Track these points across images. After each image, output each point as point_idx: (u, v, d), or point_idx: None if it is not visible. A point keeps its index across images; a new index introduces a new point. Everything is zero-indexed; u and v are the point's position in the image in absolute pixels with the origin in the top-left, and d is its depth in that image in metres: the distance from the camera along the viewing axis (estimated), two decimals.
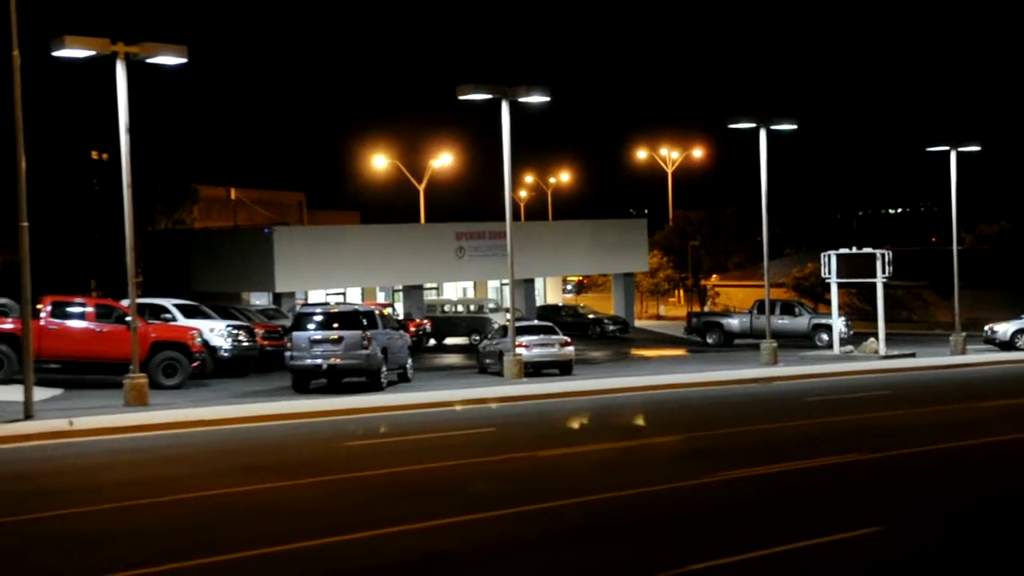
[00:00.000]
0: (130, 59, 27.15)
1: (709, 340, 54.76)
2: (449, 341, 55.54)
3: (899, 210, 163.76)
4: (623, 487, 16.04)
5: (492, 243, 56.54)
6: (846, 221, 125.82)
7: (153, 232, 55.58)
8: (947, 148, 46.56)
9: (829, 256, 45.33)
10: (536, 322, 43.29)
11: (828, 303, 51.61)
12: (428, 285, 59.72)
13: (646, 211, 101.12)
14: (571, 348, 37.77)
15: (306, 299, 51.80)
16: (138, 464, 19.28)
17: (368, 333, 31.45)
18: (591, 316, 61.26)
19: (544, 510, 14.64)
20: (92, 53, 26.77)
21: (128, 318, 29.29)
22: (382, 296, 58.49)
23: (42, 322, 31.26)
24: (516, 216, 68.83)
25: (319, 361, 31.20)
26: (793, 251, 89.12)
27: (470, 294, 63.48)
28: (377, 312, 33.79)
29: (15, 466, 19.19)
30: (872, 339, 45.04)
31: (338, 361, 31.18)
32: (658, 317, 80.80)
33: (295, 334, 31.68)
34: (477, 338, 50.99)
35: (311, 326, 31.69)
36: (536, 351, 36.63)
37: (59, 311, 32.17)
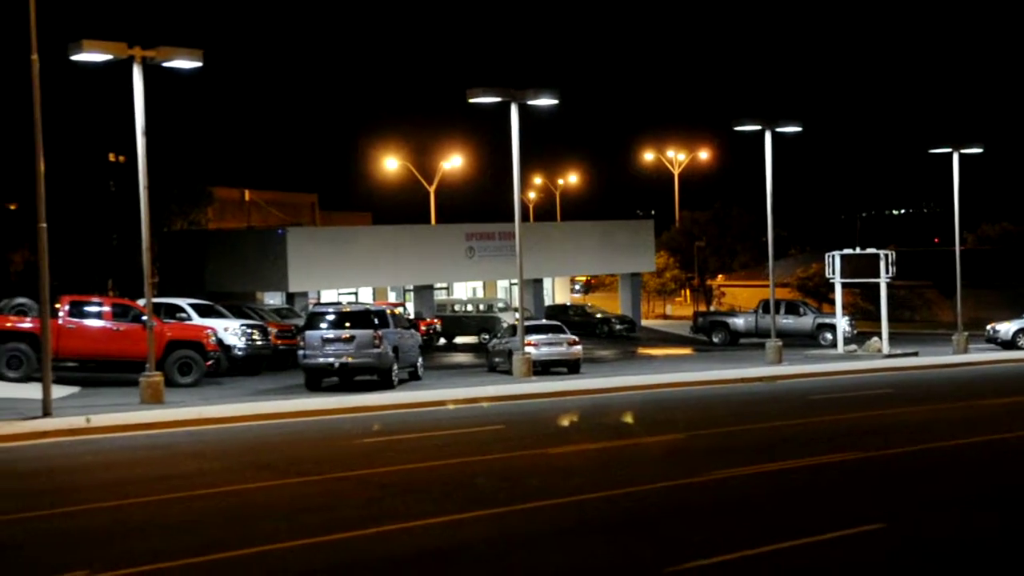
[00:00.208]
0: (146, 63, 27.20)
1: (715, 339, 54.71)
2: (459, 340, 55.54)
3: (902, 211, 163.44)
4: (629, 484, 16.04)
5: (501, 244, 56.54)
6: (850, 222, 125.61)
7: (169, 233, 55.65)
8: (950, 150, 46.48)
9: (833, 256, 45.26)
10: (545, 321, 43.26)
11: (832, 303, 51.52)
12: (438, 285, 59.71)
13: (653, 212, 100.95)
14: (579, 347, 37.75)
15: (319, 299, 51.84)
16: (154, 461, 19.32)
17: (379, 332, 31.47)
18: (599, 316, 61.22)
19: (553, 506, 14.64)
20: (109, 57, 26.83)
21: (144, 317, 29.35)
22: (393, 296, 58.49)
23: (60, 321, 31.34)
24: (525, 217, 68.88)
25: (331, 360, 31.22)
26: (798, 252, 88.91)
27: (480, 294, 63.46)
28: (388, 311, 33.82)
29: (33, 463, 19.24)
30: (875, 338, 44.97)
31: (350, 360, 31.20)
32: (664, 317, 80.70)
33: (308, 333, 31.71)
34: (487, 337, 50.97)
35: (323, 325, 31.71)
36: (545, 350, 36.62)
37: (77, 310, 32.25)
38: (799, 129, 42.57)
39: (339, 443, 21.50)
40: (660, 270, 76.12)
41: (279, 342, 38.22)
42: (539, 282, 60.97)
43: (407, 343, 33.95)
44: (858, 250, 46.17)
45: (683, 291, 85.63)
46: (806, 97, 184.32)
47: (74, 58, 26.72)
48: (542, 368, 36.31)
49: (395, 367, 32.16)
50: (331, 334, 31.37)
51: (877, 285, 45.07)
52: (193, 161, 55.90)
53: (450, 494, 15.70)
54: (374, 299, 55.77)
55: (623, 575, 11.60)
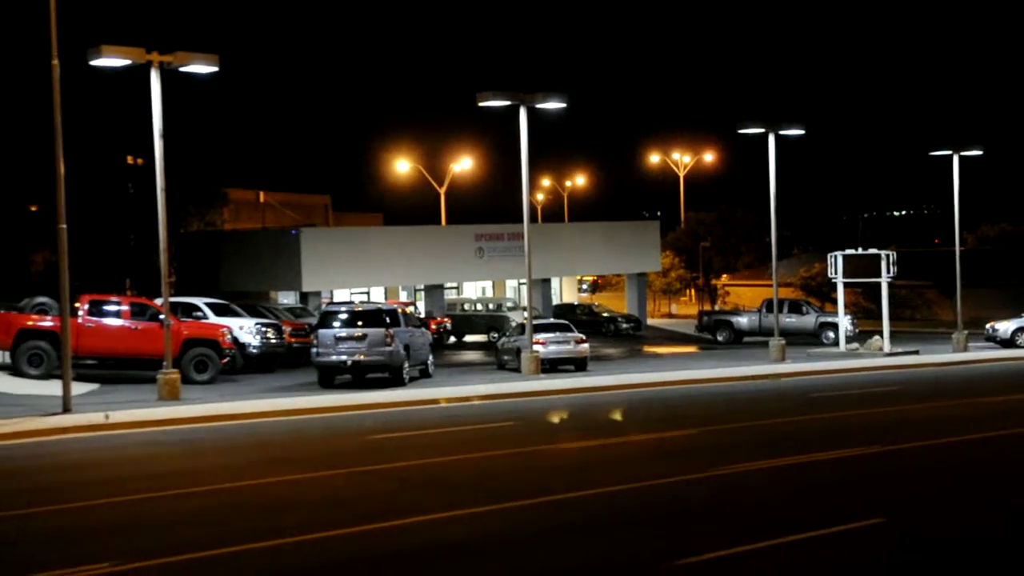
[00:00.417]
0: (164, 68, 27.27)
1: (719, 338, 54.66)
2: (469, 338, 55.56)
3: (903, 212, 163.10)
4: (636, 479, 16.05)
5: (510, 244, 56.56)
6: (852, 223, 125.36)
7: (185, 233, 55.80)
8: (950, 152, 46.40)
9: (836, 257, 45.22)
10: (552, 320, 43.29)
11: (834, 302, 51.49)
12: (449, 284, 59.76)
13: (659, 213, 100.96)
14: (586, 345, 37.76)
15: (331, 298, 51.91)
16: (171, 456, 19.37)
17: (391, 331, 31.51)
18: (605, 314, 61.21)
19: (562, 501, 14.66)
20: (128, 62, 26.90)
21: (161, 316, 29.42)
22: (404, 295, 58.55)
23: (80, 320, 31.43)
24: (533, 218, 68.84)
25: (344, 357, 31.27)
26: (801, 252, 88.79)
27: (489, 293, 63.49)
28: (399, 310, 33.84)
29: (54, 458, 19.32)
30: (877, 337, 44.91)
31: (362, 358, 31.25)
32: (670, 315, 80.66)
33: (321, 331, 31.76)
34: (496, 335, 50.99)
35: (336, 324, 31.75)
36: (552, 348, 36.63)
37: (96, 309, 32.33)
38: (802, 132, 42.50)
39: (352, 439, 21.54)
40: (666, 270, 76.09)
41: (293, 340, 38.29)
42: (547, 282, 60.99)
43: (418, 341, 33.98)
44: (860, 250, 46.11)
45: (688, 290, 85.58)
46: (809, 100, 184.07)
47: (93, 63, 26.80)
48: (550, 366, 36.33)
49: (406, 365, 32.19)
50: (344, 333, 31.42)
51: (878, 285, 45.00)
52: (209, 163, 56.06)
53: (465, 488, 15.73)
54: (386, 298, 55.84)
55: (629, 569, 11.61)
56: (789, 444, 19.54)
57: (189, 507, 14.73)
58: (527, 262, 36.31)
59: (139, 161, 52.66)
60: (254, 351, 35.99)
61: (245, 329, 35.97)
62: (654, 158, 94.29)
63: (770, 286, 45.66)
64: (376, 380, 32.28)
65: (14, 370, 31.51)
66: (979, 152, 46.91)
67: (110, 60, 26.65)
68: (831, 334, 50.22)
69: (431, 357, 35.64)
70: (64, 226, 25.11)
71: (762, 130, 41.39)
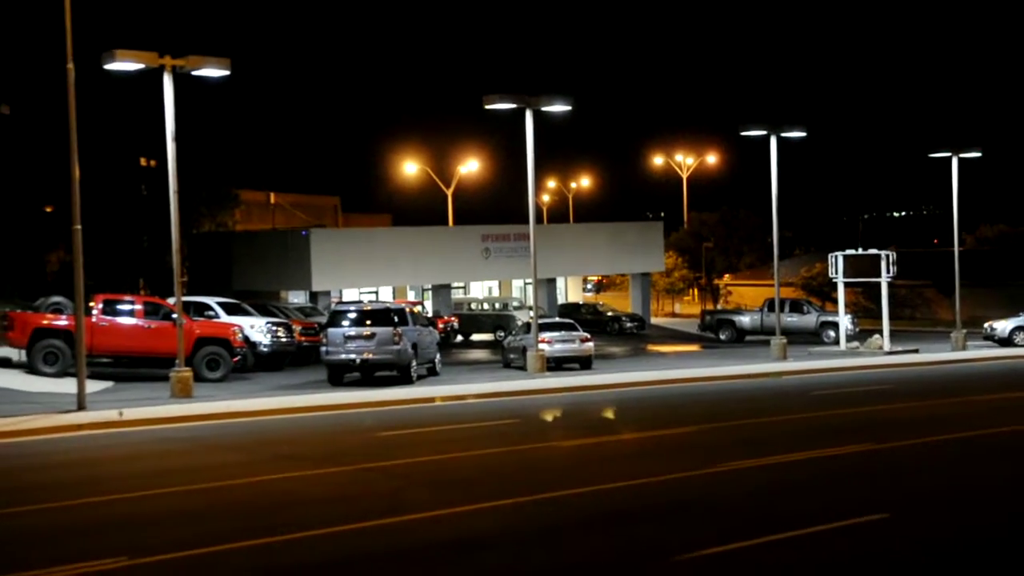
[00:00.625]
0: (176, 72, 27.29)
1: (722, 336, 54.61)
2: (475, 337, 55.57)
3: (903, 213, 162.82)
4: (639, 475, 16.05)
5: (516, 244, 56.55)
6: (852, 223, 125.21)
7: (198, 234, 55.88)
8: (949, 154, 46.33)
9: (836, 257, 45.16)
10: (558, 319, 43.25)
11: (835, 301, 51.40)
12: (456, 284, 59.77)
13: (662, 214, 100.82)
14: (591, 344, 37.74)
15: (340, 297, 51.94)
16: (183, 453, 19.39)
17: (399, 330, 31.51)
18: (610, 314, 61.18)
19: (566, 497, 14.67)
20: (141, 66, 26.92)
21: (174, 315, 29.44)
22: (412, 294, 58.59)
23: (94, 319, 31.46)
24: (539, 219, 68.81)
25: (353, 356, 31.28)
26: (802, 252, 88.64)
27: (495, 293, 63.49)
28: (407, 310, 33.83)
29: (69, 454, 19.35)
30: (877, 336, 44.84)
31: (371, 356, 31.26)
32: (673, 315, 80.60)
33: (330, 330, 31.78)
34: (502, 334, 51.02)
35: (345, 323, 31.77)
36: (558, 347, 36.62)
37: (110, 308, 32.36)
38: (803, 134, 42.46)
39: (360, 436, 21.55)
40: (669, 270, 76.01)
41: (303, 339, 38.30)
42: (552, 281, 60.96)
43: (425, 340, 33.98)
44: (860, 251, 46.08)
45: (691, 290, 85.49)
46: (810, 103, 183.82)
47: (107, 67, 26.82)
48: (555, 364, 36.31)
49: (414, 363, 32.19)
50: (353, 331, 31.43)
51: (878, 284, 44.93)
52: (221, 165, 56.18)
53: (468, 485, 15.74)
54: (394, 298, 55.87)
55: (628, 565, 11.60)
56: (790, 441, 19.52)
57: (197, 503, 14.74)
58: (533, 262, 36.30)
59: (152, 163, 52.76)
60: (265, 349, 36.01)
61: (256, 328, 35.98)
62: (658, 160, 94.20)
63: (772, 286, 45.62)
64: (384, 378, 32.29)
65: (30, 368, 31.55)
66: (978, 154, 46.84)
67: (124, 64, 26.68)
68: (832, 333, 50.14)
69: (438, 355, 35.64)
70: (79, 227, 25.14)
71: (764, 132, 41.35)
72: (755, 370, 35.74)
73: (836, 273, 45.02)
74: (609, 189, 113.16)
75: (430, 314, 51.81)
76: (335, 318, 32.31)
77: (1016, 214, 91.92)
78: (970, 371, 37.06)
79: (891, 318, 45.56)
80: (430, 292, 58.16)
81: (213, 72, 27.89)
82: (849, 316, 49.13)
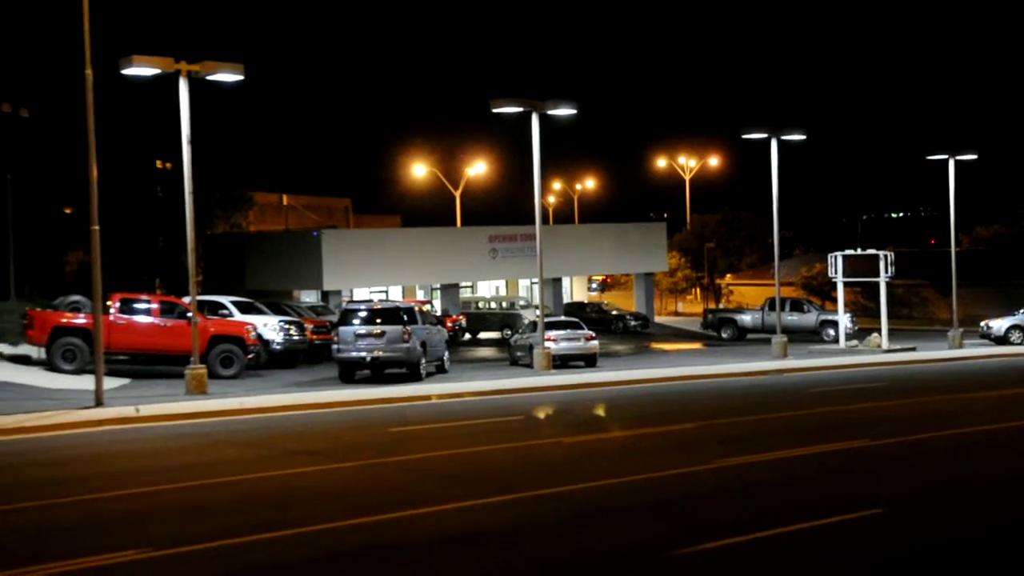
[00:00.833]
0: (191, 76, 27.35)
1: (724, 335, 54.58)
2: (483, 335, 55.59)
3: (901, 214, 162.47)
4: (641, 471, 16.06)
5: (523, 245, 56.56)
6: (851, 224, 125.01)
7: (212, 235, 55.97)
8: (946, 156, 46.25)
9: (836, 257, 45.11)
10: (563, 318, 43.27)
11: (835, 301, 51.35)
12: (463, 283, 59.80)
13: (665, 215, 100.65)
14: (596, 342, 37.73)
15: (351, 296, 51.99)
16: (198, 448, 19.44)
17: (408, 328, 31.54)
18: (614, 312, 61.16)
19: (571, 492, 14.67)
20: (157, 71, 26.99)
21: (189, 314, 29.51)
22: (421, 294, 58.62)
23: (111, 317, 31.54)
24: (545, 220, 68.77)
25: (363, 354, 31.32)
26: (802, 252, 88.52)
27: (502, 292, 63.51)
28: (416, 308, 33.86)
29: (87, 449, 19.40)
30: (876, 334, 44.79)
31: (381, 354, 31.29)
32: (676, 313, 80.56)
33: (341, 329, 31.82)
34: (509, 332, 51.03)
35: (356, 321, 31.80)
36: (563, 345, 36.62)
37: (127, 307, 32.44)
38: (803, 137, 42.41)
39: (370, 431, 21.57)
40: (672, 270, 75.97)
41: (315, 337, 38.35)
42: (558, 281, 60.98)
43: (434, 338, 34.00)
44: (859, 251, 46.04)
45: (694, 289, 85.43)
46: (810, 107, 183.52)
47: (124, 72, 26.89)
48: (561, 362, 36.31)
49: (423, 361, 32.22)
50: (363, 330, 31.47)
51: (877, 284, 44.88)
52: (234, 167, 56.34)
53: (475, 480, 15.76)
54: (403, 297, 55.91)
55: (636, 557, 11.62)
56: (789, 437, 19.50)
57: (216, 497, 14.78)
58: (539, 262, 36.31)
59: (168, 165, 52.88)
60: (278, 347, 36.07)
61: (269, 326, 36.04)
62: (661, 162, 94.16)
63: (773, 285, 45.59)
64: (394, 375, 32.32)
65: (49, 365, 31.65)
66: (974, 156, 46.74)
67: (140, 69, 26.74)
68: (831, 331, 50.09)
69: (447, 353, 35.66)
70: (97, 228, 25.20)
71: (765, 135, 41.31)
72: (756, 368, 35.71)
73: (835, 273, 44.98)
74: (613, 191, 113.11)
75: (439, 313, 51.84)
76: (346, 317, 32.35)
77: (1011, 215, 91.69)
78: (966, 369, 37.00)
79: (889, 317, 45.50)
80: (439, 291, 58.20)
81: (227, 77, 27.94)
82: (848, 315, 49.07)
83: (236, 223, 58.84)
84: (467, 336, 54.24)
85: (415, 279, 56.76)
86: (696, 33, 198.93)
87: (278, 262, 52.96)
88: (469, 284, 61.54)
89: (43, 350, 32.22)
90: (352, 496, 14.66)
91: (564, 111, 35.25)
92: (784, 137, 41.70)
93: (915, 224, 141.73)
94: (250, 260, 53.92)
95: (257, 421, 23.09)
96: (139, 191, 52.12)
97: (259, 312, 37.18)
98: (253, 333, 33.06)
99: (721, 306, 71.95)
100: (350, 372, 31.96)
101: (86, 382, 27.57)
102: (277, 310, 39.41)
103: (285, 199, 74.68)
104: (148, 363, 32.96)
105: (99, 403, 24.41)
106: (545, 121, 35.24)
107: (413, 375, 31.84)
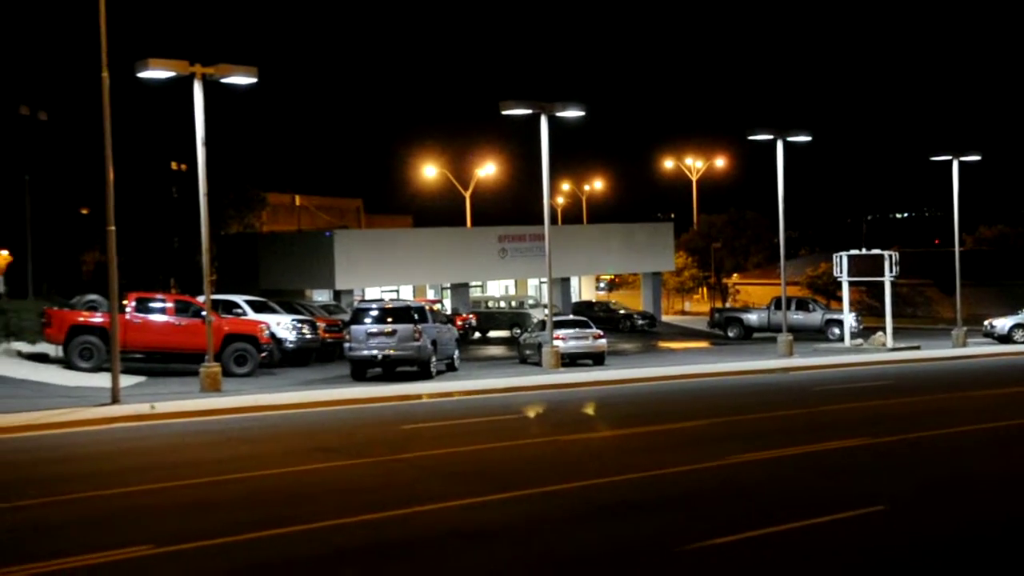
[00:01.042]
0: (206, 79, 27.38)
1: (730, 334, 54.49)
2: (493, 334, 55.58)
3: (905, 214, 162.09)
4: (647, 468, 16.01)
5: (532, 245, 56.54)
6: (856, 224, 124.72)
7: (226, 235, 56.05)
8: (949, 157, 46.13)
9: (841, 257, 45.01)
10: (572, 317, 43.24)
11: (840, 300, 51.25)
12: (474, 283, 59.80)
13: (672, 215, 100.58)
14: (604, 341, 37.70)
15: (363, 296, 52.02)
16: (213, 444, 19.46)
17: (419, 327, 31.54)
18: (622, 311, 61.10)
19: (576, 489, 14.64)
20: (172, 74, 27.03)
21: (203, 313, 29.55)
22: (432, 293, 58.64)
23: (128, 316, 31.59)
24: (554, 220, 68.76)
25: (375, 352, 31.33)
26: (807, 252, 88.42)
27: (512, 291, 63.49)
28: (427, 307, 33.87)
29: (103, 446, 19.43)
30: (880, 333, 44.67)
31: (392, 352, 31.30)
32: (683, 312, 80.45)
33: (353, 327, 31.83)
34: (518, 331, 51.02)
35: (367, 320, 31.82)
36: (572, 343, 36.60)
37: (142, 306, 32.50)
38: (809, 138, 42.33)
39: (381, 428, 21.56)
40: (679, 269, 75.90)
41: (327, 336, 38.37)
42: (567, 280, 60.95)
43: (444, 337, 34.00)
44: (864, 251, 45.89)
45: (700, 289, 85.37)
46: (816, 109, 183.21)
47: (140, 75, 26.94)
48: (569, 360, 36.29)
49: (434, 359, 32.21)
50: (375, 328, 31.48)
51: (882, 283, 44.78)
52: (248, 169, 56.42)
53: (484, 476, 15.73)
54: (414, 296, 55.93)
55: (644, 553, 11.59)
56: (794, 435, 19.45)
57: (229, 493, 14.78)
58: (548, 262, 36.29)
59: (182, 167, 52.97)
60: (290, 346, 36.10)
61: (282, 325, 36.07)
62: (668, 163, 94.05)
63: (778, 284, 45.50)
64: (405, 373, 32.33)
65: (67, 363, 31.73)
66: (977, 157, 46.60)
67: (156, 72, 26.79)
68: (836, 330, 50.00)
69: (457, 352, 35.66)
70: (113, 228, 25.25)
71: (771, 137, 41.23)
72: (762, 366, 35.64)
73: (841, 272, 44.88)
74: (621, 191, 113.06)
75: (449, 312, 51.84)
76: (358, 316, 32.36)
77: (1014, 215, 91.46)
78: (970, 367, 36.87)
79: (894, 316, 45.39)
80: (449, 290, 58.21)
81: (241, 80, 27.98)
82: (853, 314, 48.97)
83: (250, 224, 58.92)
84: (477, 335, 54.24)
85: (426, 278, 56.78)
86: (703, 36, 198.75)
87: (291, 262, 53.01)
88: (479, 283, 61.54)
89: (61, 348, 32.31)
90: (363, 492, 14.63)
91: (572, 113, 35.23)
92: (790, 138, 41.61)
93: (919, 224, 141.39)
94: (263, 260, 53.98)
95: (270, 418, 23.10)
96: (154, 192, 52.21)
97: (272, 311, 37.22)
98: (267, 332, 33.09)
99: (727, 305, 71.83)
100: (362, 370, 31.97)
101: (103, 380, 27.62)
102: (290, 309, 39.45)
103: (298, 200, 74.76)
104: (163, 361, 33.02)
105: (115, 400, 24.47)
106: (554, 123, 35.22)
107: (424, 373, 31.85)
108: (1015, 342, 46.54)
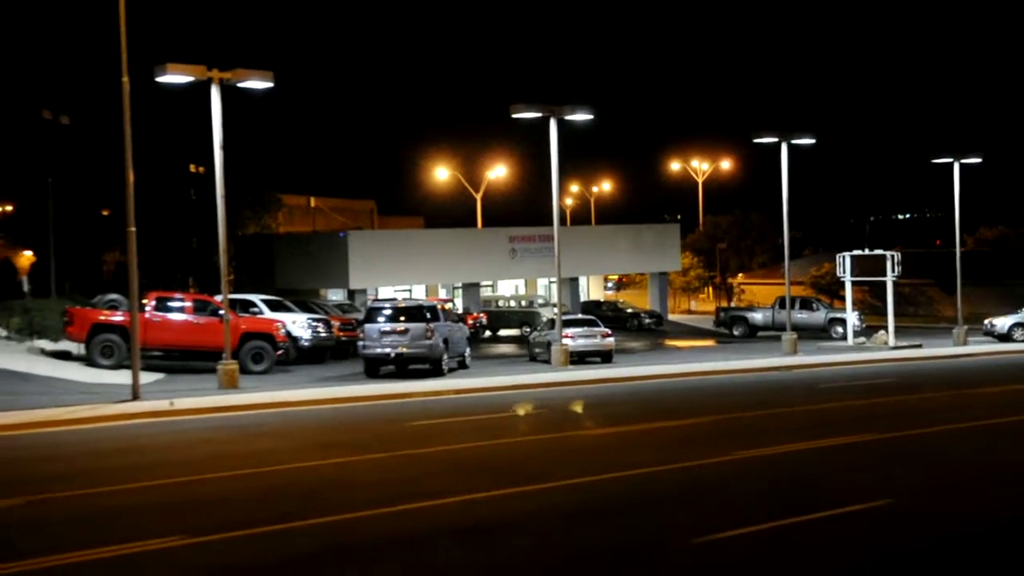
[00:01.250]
0: (223, 84, 27.45)
1: (735, 332, 54.41)
2: (503, 332, 55.60)
3: (907, 215, 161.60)
4: (655, 463, 16.00)
5: (541, 245, 56.54)
6: (859, 225, 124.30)
7: (243, 236, 56.09)
8: (951, 159, 45.99)
9: (844, 257, 44.92)
10: (580, 316, 43.23)
11: (843, 299, 51.09)
12: (484, 282, 59.82)
13: (679, 216, 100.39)
14: (611, 339, 37.70)
15: (376, 295, 52.08)
16: (229, 440, 19.50)
17: (431, 325, 31.57)
18: (629, 310, 61.06)
19: (586, 483, 14.64)
20: (191, 79, 27.10)
21: (221, 312, 29.63)
22: (444, 292, 58.67)
23: (147, 315, 31.69)
24: (563, 221, 68.74)
25: (388, 350, 31.37)
26: (811, 252, 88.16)
27: (522, 290, 63.50)
28: (439, 306, 33.90)
29: (124, 441, 19.49)
30: (883, 331, 44.57)
31: (405, 350, 31.34)
32: (689, 312, 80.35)
33: (367, 326, 31.87)
34: (528, 330, 51.02)
35: (381, 319, 31.86)
36: (580, 342, 36.60)
37: (162, 305, 32.60)
38: (813, 140, 42.23)
39: (394, 425, 21.58)
40: (685, 269, 75.81)
41: (341, 334, 38.43)
42: (575, 280, 60.92)
43: (456, 335, 34.02)
44: (867, 251, 45.83)
45: (706, 288, 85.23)
46: (820, 111, 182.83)
47: (159, 80, 27.02)
48: (578, 358, 36.29)
49: (445, 357, 32.24)
50: (388, 327, 31.52)
51: (884, 283, 44.67)
52: (264, 171, 56.34)
53: (494, 471, 15.74)
54: (426, 295, 55.97)
55: (650, 547, 11.59)
56: (799, 431, 19.43)
57: (246, 487, 14.82)
58: (557, 262, 36.29)
59: (201, 169, 53.04)
60: (306, 344, 36.16)
61: (298, 324, 36.14)
62: (675, 165, 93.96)
63: (783, 284, 45.43)
64: (418, 371, 32.37)
65: (88, 361, 31.85)
66: (978, 159, 46.46)
67: (174, 77, 26.86)
68: (840, 329, 49.89)
69: (468, 349, 35.68)
70: (133, 229, 25.32)
71: (775, 139, 41.15)
72: (767, 364, 35.59)
73: (844, 272, 44.79)
74: (629, 193, 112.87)
75: (460, 311, 51.87)
76: (371, 315, 32.41)
77: (1014, 216, 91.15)
78: (971, 365, 36.78)
79: (896, 315, 45.27)
80: (460, 290, 58.23)
81: (257, 84, 28.04)
82: (856, 313, 48.85)
83: (266, 225, 58.97)
84: (488, 333, 54.26)
85: (438, 278, 56.82)
86: (709, 41, 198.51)
87: (306, 262, 53.10)
88: (490, 283, 61.56)
89: (82, 346, 32.43)
90: (374, 487, 14.63)
91: (581, 116, 35.22)
92: (794, 141, 41.52)
93: (921, 225, 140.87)
94: (279, 260, 54.09)
95: (286, 415, 23.15)
96: (173, 194, 52.30)
97: (288, 310, 37.30)
98: (283, 330, 33.17)
99: (733, 304, 71.74)
100: (375, 368, 32.01)
101: (123, 377, 27.71)
102: (305, 308, 39.52)
103: (313, 201, 74.84)
104: (182, 359, 33.11)
105: (135, 397, 24.54)
106: (563, 126, 35.22)
107: (436, 371, 31.88)
108: (1015, 341, 46.40)
